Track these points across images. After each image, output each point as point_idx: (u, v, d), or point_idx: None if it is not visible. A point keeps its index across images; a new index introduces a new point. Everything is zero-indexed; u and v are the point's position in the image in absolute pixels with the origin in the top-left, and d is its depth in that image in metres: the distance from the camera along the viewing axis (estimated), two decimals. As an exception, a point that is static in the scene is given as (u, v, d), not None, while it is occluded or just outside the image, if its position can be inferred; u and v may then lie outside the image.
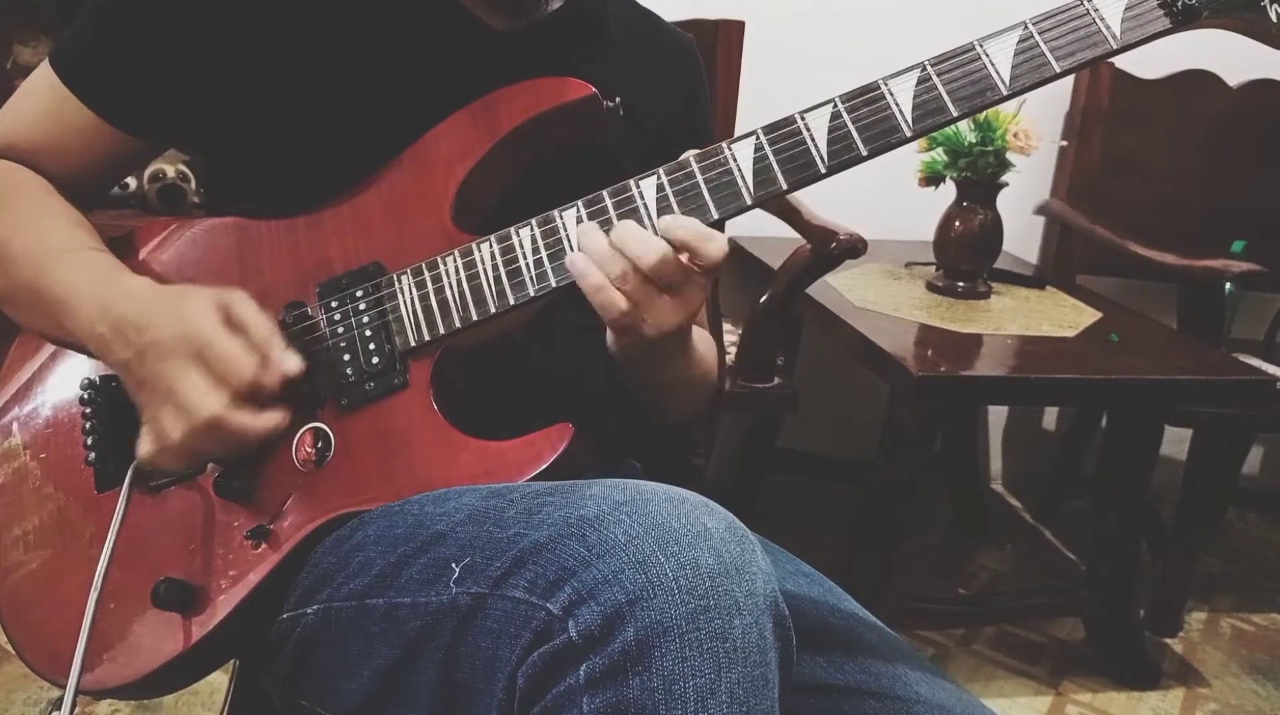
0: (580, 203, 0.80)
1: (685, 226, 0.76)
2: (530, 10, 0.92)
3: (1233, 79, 2.27)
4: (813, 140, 0.77)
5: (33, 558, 0.85)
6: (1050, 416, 2.66)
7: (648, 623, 0.58)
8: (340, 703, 0.75)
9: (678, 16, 1.53)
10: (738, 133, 0.78)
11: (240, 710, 0.94)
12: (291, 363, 0.78)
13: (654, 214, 0.78)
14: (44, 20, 1.84)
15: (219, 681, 0.94)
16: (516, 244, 0.80)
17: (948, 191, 1.89)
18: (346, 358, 0.82)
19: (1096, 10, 0.76)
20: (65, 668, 0.74)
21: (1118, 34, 0.75)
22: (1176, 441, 2.20)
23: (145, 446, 0.78)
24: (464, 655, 0.65)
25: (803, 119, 0.77)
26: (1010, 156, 1.81)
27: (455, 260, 0.81)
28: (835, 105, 0.77)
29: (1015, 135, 1.78)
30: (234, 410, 0.75)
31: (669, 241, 0.75)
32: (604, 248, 0.76)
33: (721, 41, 1.83)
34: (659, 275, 0.75)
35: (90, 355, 0.84)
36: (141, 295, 0.80)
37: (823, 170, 0.77)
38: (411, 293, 0.82)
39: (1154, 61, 2.25)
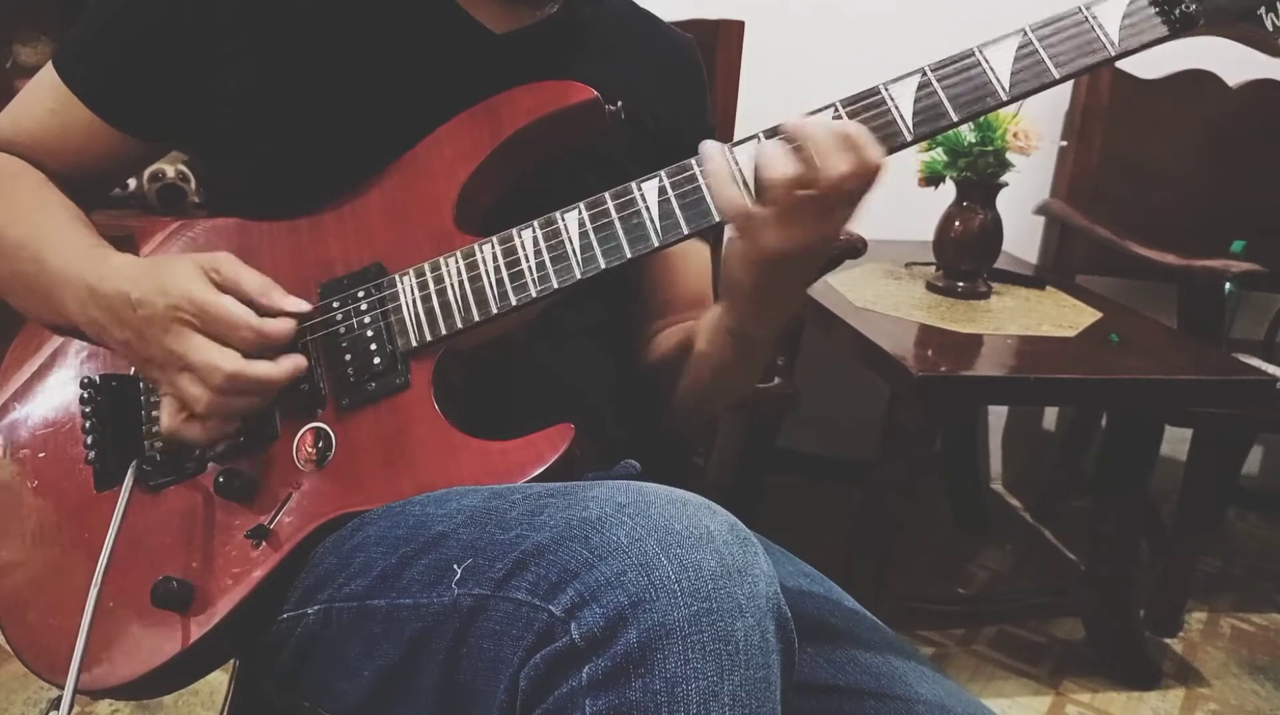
0: (582, 205, 0.80)
1: (851, 126, 0.74)
2: (530, 7, 0.92)
3: (1233, 79, 2.27)
4: (814, 144, 0.77)
5: (32, 557, 0.85)
6: (1050, 416, 2.67)
7: (650, 625, 0.58)
8: (340, 703, 0.75)
9: (678, 16, 1.53)
10: (737, 132, 0.79)
11: (240, 710, 0.94)
12: (297, 302, 0.79)
13: (656, 217, 0.78)
14: (44, 20, 1.84)
15: (219, 681, 0.94)
16: (519, 245, 0.80)
17: (948, 191, 1.89)
18: (348, 358, 0.82)
19: (1095, 18, 0.76)
20: (63, 667, 0.74)
21: (1116, 41, 0.76)
22: (1176, 441, 2.20)
23: (168, 418, 0.78)
24: (466, 657, 0.65)
25: (804, 122, 0.77)
26: (1010, 156, 1.81)
27: (457, 261, 0.81)
28: (836, 109, 0.77)
29: (1015, 135, 1.78)
30: (250, 363, 0.76)
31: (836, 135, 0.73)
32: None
33: (721, 41, 1.83)
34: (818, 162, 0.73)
35: (91, 341, 0.84)
36: (125, 272, 0.80)
37: None
38: (413, 293, 0.82)
39: (1154, 61, 2.25)
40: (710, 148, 0.77)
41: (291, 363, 0.78)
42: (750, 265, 0.79)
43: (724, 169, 0.76)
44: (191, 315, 0.76)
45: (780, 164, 0.73)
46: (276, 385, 0.78)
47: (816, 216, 0.75)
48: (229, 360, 0.75)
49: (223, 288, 0.77)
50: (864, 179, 0.74)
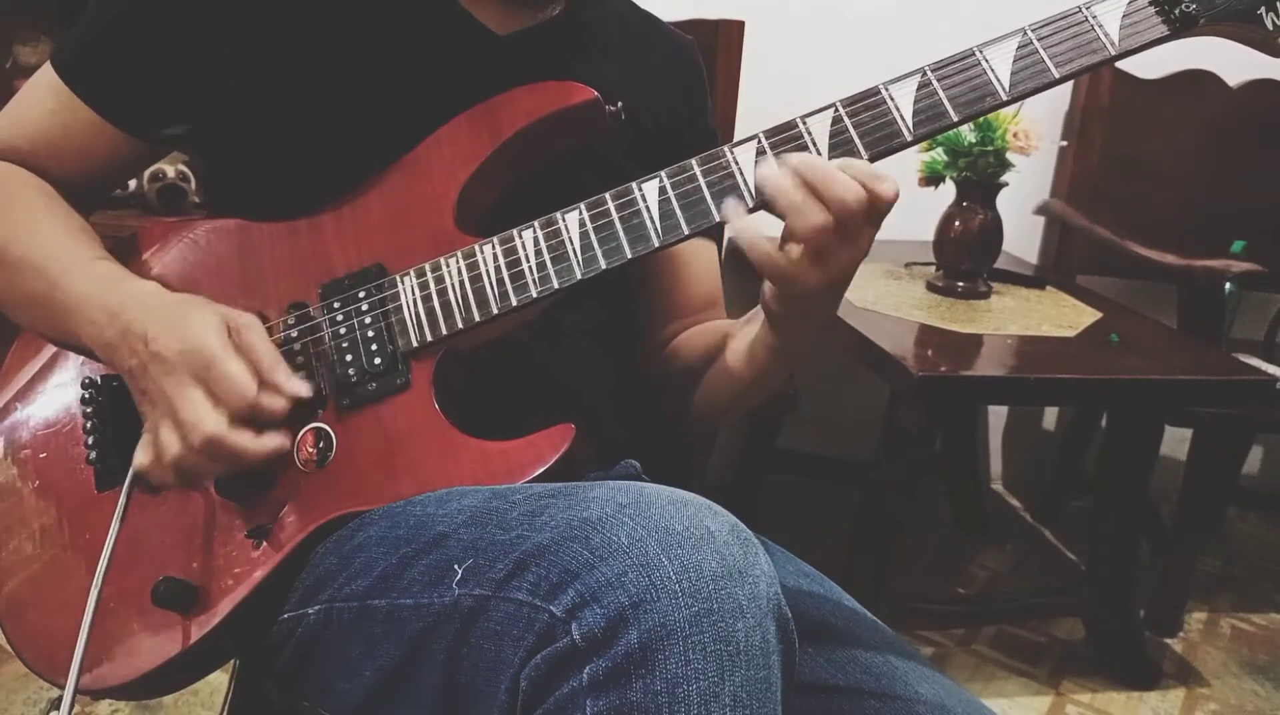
0: (583, 205, 0.80)
1: (857, 166, 0.74)
2: (531, 9, 0.92)
3: (1233, 79, 2.27)
4: (814, 144, 0.77)
5: (32, 558, 0.85)
6: (1050, 416, 2.67)
7: (651, 625, 0.58)
8: (341, 703, 0.75)
9: (678, 16, 1.53)
10: (737, 132, 0.79)
11: (240, 710, 0.94)
12: (299, 385, 0.78)
13: (656, 217, 0.78)
14: (44, 20, 1.84)
15: (219, 681, 0.94)
16: (519, 246, 0.80)
17: (948, 191, 1.89)
18: (349, 358, 0.82)
19: (1095, 18, 0.76)
20: (64, 668, 0.74)
21: (1116, 41, 0.76)
22: (1176, 441, 2.20)
23: (141, 457, 0.78)
24: (466, 657, 0.65)
25: (804, 123, 0.78)
26: (1010, 156, 1.81)
27: (458, 261, 0.81)
28: (836, 109, 0.77)
29: (1015, 135, 1.78)
30: (233, 431, 0.75)
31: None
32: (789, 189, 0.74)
33: (721, 41, 1.84)
34: (842, 213, 0.73)
35: (94, 357, 0.84)
36: (148, 302, 0.80)
37: None
38: (414, 293, 0.82)
39: (1154, 61, 2.25)
40: (738, 225, 0.76)
41: (273, 443, 0.77)
42: (789, 301, 0.80)
43: (757, 235, 0.76)
44: (198, 366, 0.75)
45: (813, 214, 0.73)
46: (250, 461, 0.76)
47: (844, 252, 0.75)
48: (213, 423, 0.74)
49: (237, 349, 0.77)
50: (880, 211, 0.75)
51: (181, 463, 0.76)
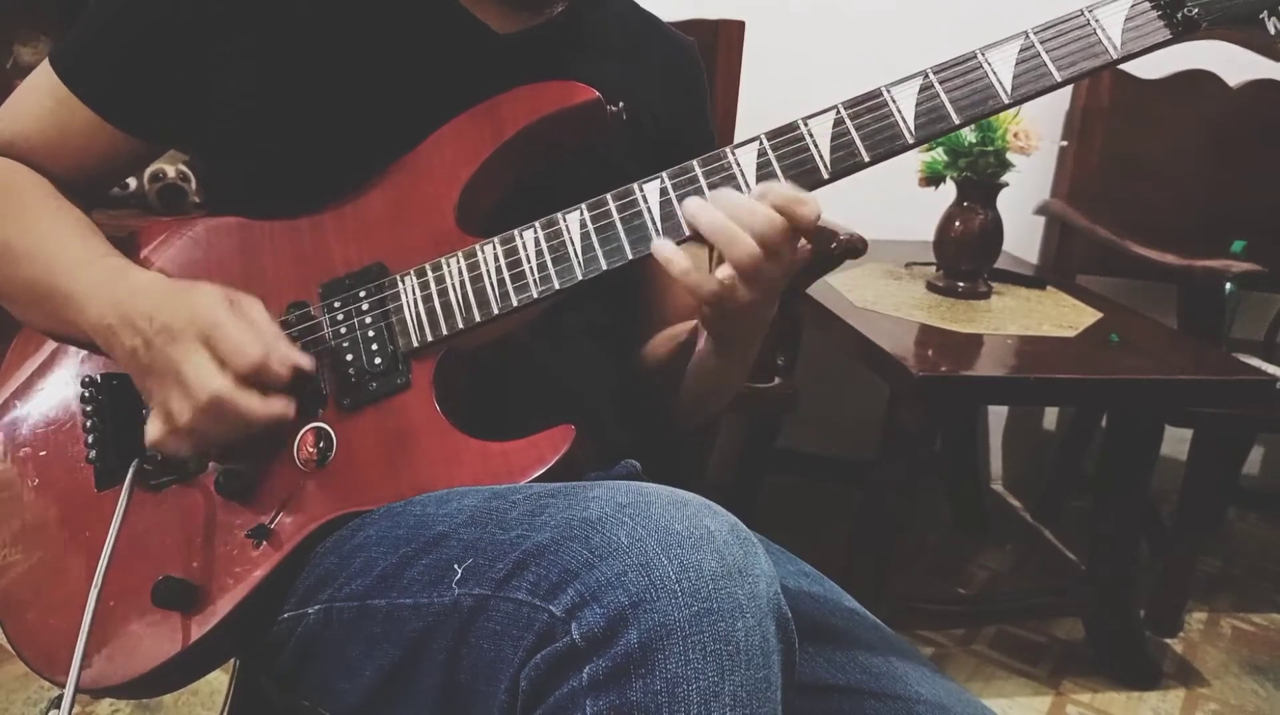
0: (584, 206, 0.80)
1: (778, 191, 0.75)
2: (532, 10, 0.92)
3: (1233, 79, 2.27)
4: (816, 146, 0.77)
5: (32, 557, 0.85)
6: (1050, 416, 2.67)
7: (651, 625, 0.58)
8: (341, 703, 0.75)
9: (678, 16, 1.54)
10: (737, 132, 0.79)
11: (240, 710, 0.94)
12: (301, 356, 0.78)
13: (658, 218, 0.78)
14: (44, 20, 1.84)
15: (219, 681, 0.94)
16: (520, 246, 0.80)
17: (948, 191, 1.89)
18: (349, 358, 0.82)
19: (1097, 20, 0.76)
20: (64, 667, 0.74)
21: (1118, 44, 0.76)
22: (1176, 441, 2.20)
23: (153, 429, 0.78)
24: (466, 657, 0.66)
25: (806, 125, 0.78)
26: (1010, 156, 1.81)
27: (459, 261, 0.81)
28: (838, 112, 0.77)
29: (1015, 135, 1.78)
30: (238, 391, 0.75)
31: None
32: (718, 221, 0.75)
33: (721, 41, 1.84)
34: (767, 241, 0.75)
35: (94, 350, 0.84)
36: (151, 288, 0.80)
37: (825, 176, 0.78)
38: (415, 293, 0.82)
39: (1154, 61, 2.24)
40: (663, 248, 0.77)
41: (280, 406, 0.77)
42: (725, 317, 0.82)
43: (686, 264, 0.77)
44: (202, 330, 0.75)
45: (743, 244, 0.75)
46: (257, 422, 0.76)
47: (773, 269, 0.77)
48: (219, 382, 0.74)
49: (241, 319, 0.77)
50: (804, 231, 0.76)
51: (192, 428, 0.76)
